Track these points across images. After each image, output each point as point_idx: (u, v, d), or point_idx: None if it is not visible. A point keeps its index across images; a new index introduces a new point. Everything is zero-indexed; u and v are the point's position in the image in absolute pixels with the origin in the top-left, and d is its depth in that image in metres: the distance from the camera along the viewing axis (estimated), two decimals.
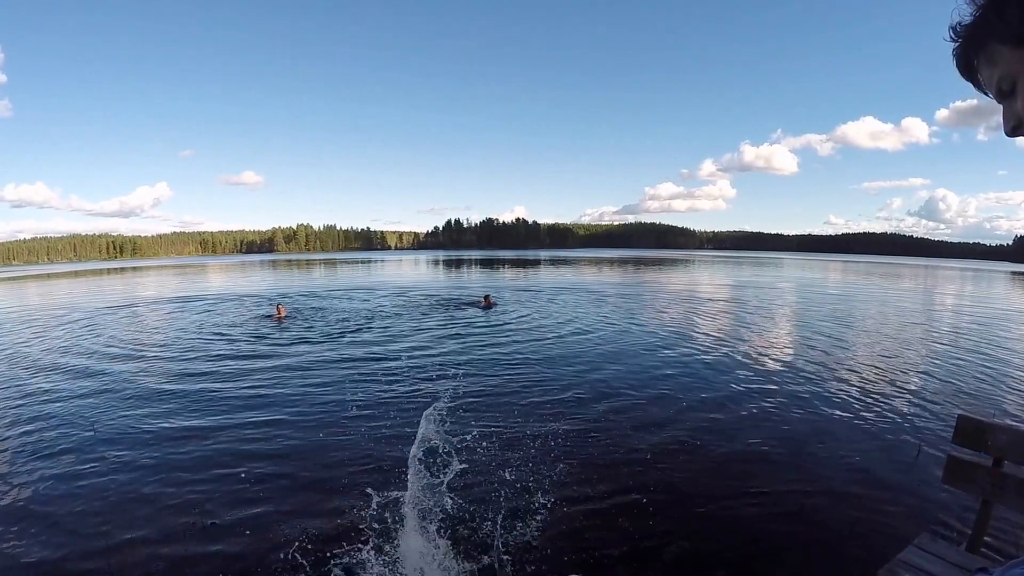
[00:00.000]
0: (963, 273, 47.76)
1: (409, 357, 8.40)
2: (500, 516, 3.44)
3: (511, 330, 11.00)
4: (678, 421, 5.42)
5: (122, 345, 9.83)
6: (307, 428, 5.24)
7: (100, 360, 8.59)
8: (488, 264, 49.55)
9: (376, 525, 3.11)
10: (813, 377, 7.23)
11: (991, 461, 2.10)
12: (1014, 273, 51.74)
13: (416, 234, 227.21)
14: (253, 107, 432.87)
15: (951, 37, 0.63)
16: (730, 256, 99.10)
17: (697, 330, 11.17)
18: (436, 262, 57.75)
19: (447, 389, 6.51)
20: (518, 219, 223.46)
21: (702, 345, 9.43)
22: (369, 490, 3.45)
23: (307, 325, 11.75)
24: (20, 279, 42.49)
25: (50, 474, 4.30)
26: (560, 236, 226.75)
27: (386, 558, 2.96)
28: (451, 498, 3.45)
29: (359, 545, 3.05)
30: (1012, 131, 0.61)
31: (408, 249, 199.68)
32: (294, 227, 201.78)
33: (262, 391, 6.54)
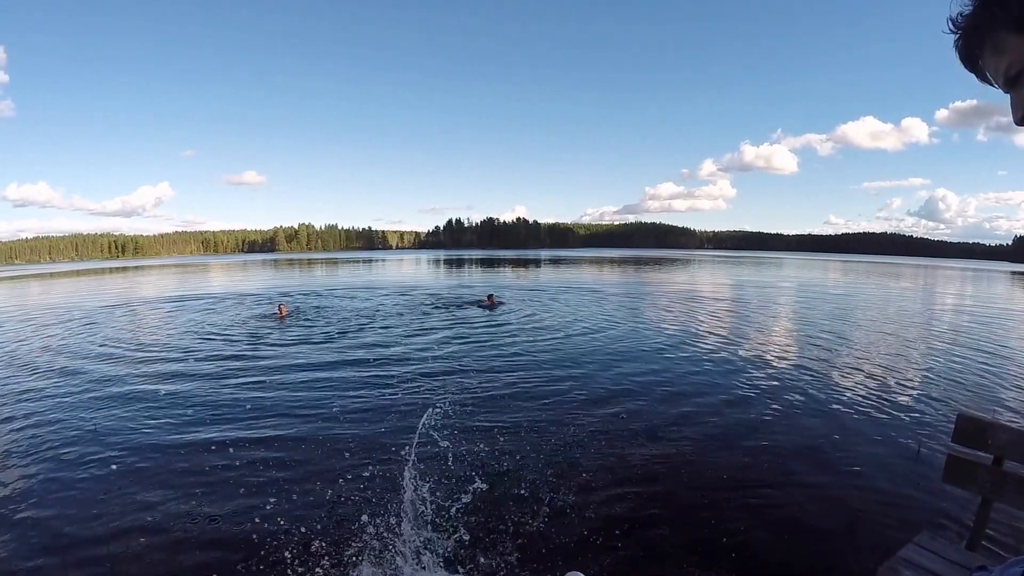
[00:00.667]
0: (963, 273, 47.74)
1: (412, 357, 8.41)
2: (500, 515, 3.46)
3: (515, 329, 11.00)
4: (681, 420, 5.43)
5: (122, 345, 9.85)
6: (308, 428, 5.25)
7: (100, 360, 8.61)
8: (489, 264, 49.56)
9: (376, 525, 3.12)
10: (814, 376, 7.25)
11: (991, 460, 2.12)
12: (1014, 273, 51.71)
13: (417, 234, 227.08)
14: (255, 107, 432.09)
15: (951, 29, 0.62)
16: (730, 256, 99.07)
17: (699, 329, 11.20)
18: (437, 262, 57.77)
19: (449, 389, 6.54)
20: (519, 219, 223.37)
21: (704, 345, 9.45)
22: (369, 490, 3.47)
23: (309, 324, 11.76)
24: (22, 278, 42.54)
25: (50, 474, 4.32)
26: (561, 236, 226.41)
27: (386, 558, 2.98)
28: (451, 498, 3.47)
29: (359, 545, 3.07)
30: (1021, 120, 0.60)
31: (409, 249, 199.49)
32: (296, 227, 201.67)
33: (263, 391, 6.56)
